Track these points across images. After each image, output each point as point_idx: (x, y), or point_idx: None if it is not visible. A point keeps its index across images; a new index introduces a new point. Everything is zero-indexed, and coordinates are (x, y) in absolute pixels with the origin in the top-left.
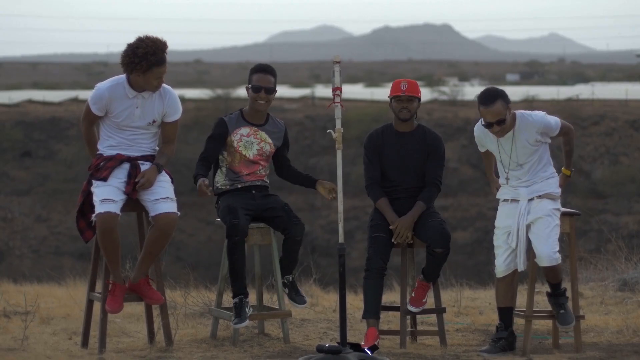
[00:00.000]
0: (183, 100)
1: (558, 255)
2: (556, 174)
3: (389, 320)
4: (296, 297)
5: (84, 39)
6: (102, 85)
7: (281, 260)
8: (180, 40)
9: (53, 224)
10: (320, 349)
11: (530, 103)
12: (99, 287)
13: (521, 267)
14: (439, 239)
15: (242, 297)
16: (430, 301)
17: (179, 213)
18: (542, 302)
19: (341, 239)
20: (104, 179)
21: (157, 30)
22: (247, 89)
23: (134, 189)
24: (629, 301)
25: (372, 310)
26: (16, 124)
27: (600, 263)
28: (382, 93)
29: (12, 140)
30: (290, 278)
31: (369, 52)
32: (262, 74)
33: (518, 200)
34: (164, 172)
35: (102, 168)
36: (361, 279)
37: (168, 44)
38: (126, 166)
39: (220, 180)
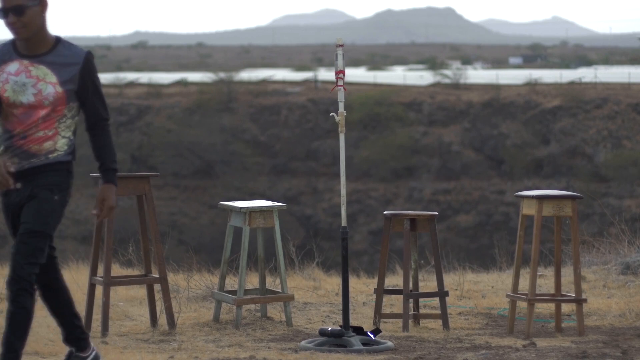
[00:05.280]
0: (186, 83)
1: None
2: None
3: (392, 303)
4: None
5: (86, 21)
6: None
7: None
8: (182, 24)
9: None
10: (323, 333)
11: (533, 87)
12: (100, 271)
13: None
14: None
15: None
16: (433, 285)
17: None
18: (544, 285)
19: (344, 222)
20: None
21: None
22: None
23: None
24: (632, 284)
25: None
26: None
27: (603, 246)
28: (385, 76)
29: None
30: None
31: (371, 36)
32: None
33: None
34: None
35: None
36: (363, 262)
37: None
38: None
39: None
